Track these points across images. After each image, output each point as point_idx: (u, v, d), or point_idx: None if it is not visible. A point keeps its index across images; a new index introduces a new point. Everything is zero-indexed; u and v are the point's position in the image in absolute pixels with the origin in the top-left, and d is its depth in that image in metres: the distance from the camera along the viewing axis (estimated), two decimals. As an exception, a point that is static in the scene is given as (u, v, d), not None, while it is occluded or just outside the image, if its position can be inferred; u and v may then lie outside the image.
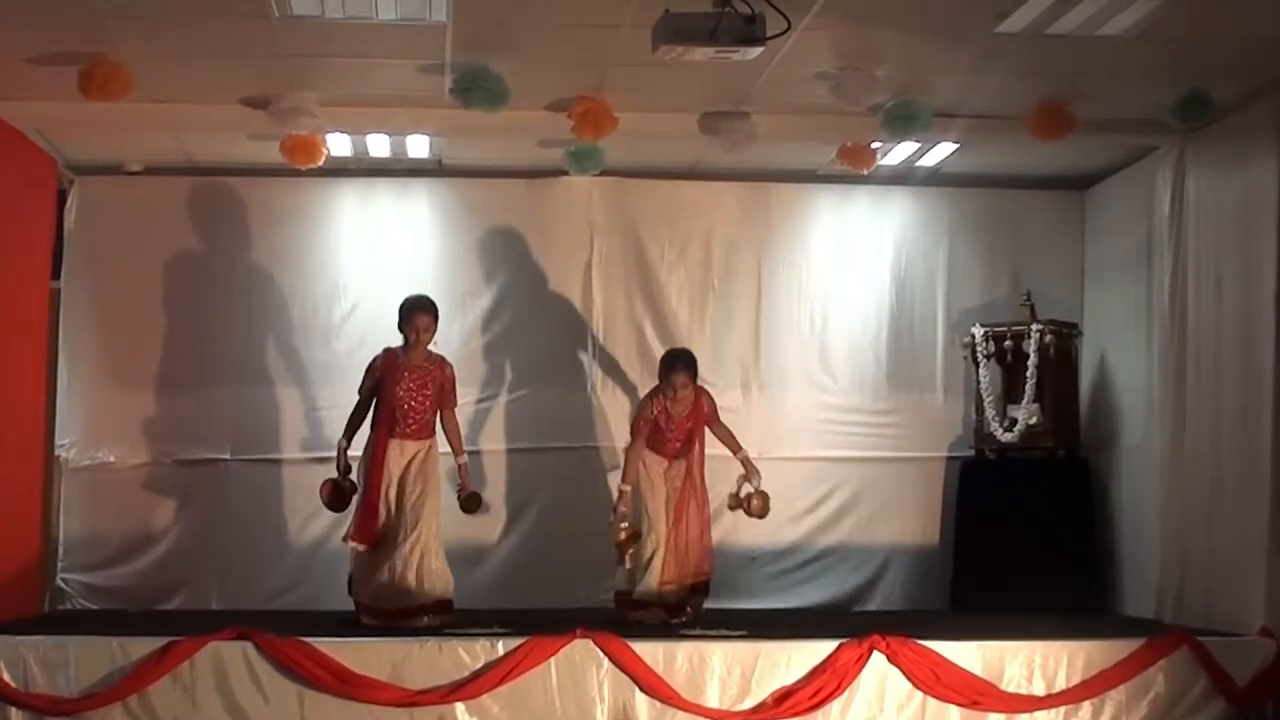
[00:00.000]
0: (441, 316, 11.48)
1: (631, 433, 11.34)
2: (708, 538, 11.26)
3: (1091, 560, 12.37)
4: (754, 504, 11.25)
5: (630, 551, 11.02)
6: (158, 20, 9.10)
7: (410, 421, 10.55)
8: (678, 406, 11.13)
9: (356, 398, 10.72)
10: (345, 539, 10.56)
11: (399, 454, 10.55)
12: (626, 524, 11.05)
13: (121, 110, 10.23)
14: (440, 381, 10.66)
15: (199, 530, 12.47)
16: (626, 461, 11.25)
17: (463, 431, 11.06)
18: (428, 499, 10.55)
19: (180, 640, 9.13)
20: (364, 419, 10.68)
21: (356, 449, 10.68)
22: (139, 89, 9.90)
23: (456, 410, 10.89)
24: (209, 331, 12.59)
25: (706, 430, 11.34)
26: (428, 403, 10.62)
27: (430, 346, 10.69)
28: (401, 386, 10.53)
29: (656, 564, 11.06)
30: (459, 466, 10.80)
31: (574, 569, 12.27)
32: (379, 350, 10.74)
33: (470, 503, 10.86)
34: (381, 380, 10.59)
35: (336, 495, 10.65)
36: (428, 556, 10.48)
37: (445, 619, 10.37)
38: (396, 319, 10.68)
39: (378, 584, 10.43)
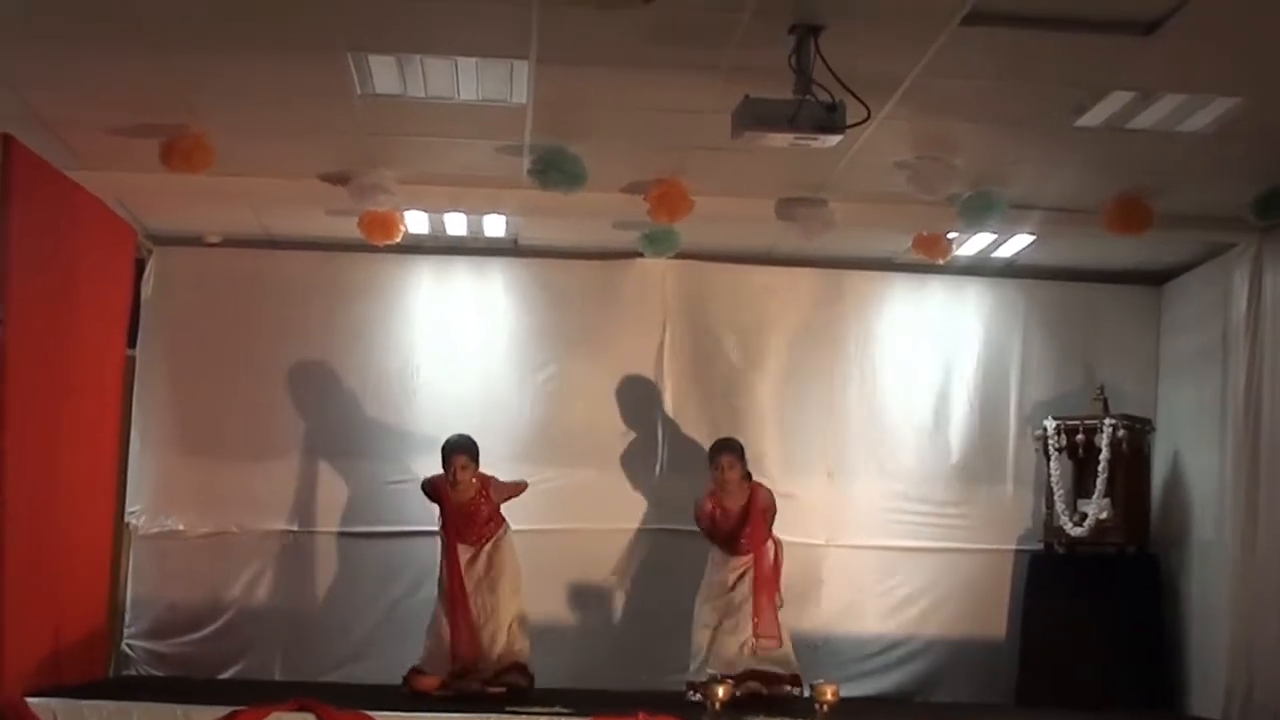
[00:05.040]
0: (513, 394, 11.94)
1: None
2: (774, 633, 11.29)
3: (1159, 657, 12.22)
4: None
5: None
6: (241, 95, 9.20)
7: (472, 535, 11.19)
8: (729, 496, 11.32)
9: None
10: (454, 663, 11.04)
11: (469, 554, 11.17)
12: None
13: (201, 182, 10.31)
14: (490, 507, 11.22)
15: (264, 600, 12.49)
16: None
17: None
18: (502, 579, 11.14)
19: (242, 710, 9.16)
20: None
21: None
22: (219, 162, 9.99)
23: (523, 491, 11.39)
24: (281, 403, 12.63)
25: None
26: (484, 520, 11.19)
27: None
28: (456, 519, 11.19)
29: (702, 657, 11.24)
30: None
31: (639, 651, 12.26)
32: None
33: None
34: (439, 503, 11.25)
35: None
36: (511, 636, 11.08)
37: (524, 681, 10.97)
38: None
39: (461, 661, 10.96)
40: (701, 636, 11.24)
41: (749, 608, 11.17)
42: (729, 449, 11.43)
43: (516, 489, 11.28)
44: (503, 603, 11.07)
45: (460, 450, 11.10)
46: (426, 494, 11.30)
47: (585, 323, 12.84)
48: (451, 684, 10.81)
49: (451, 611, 10.99)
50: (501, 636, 10.99)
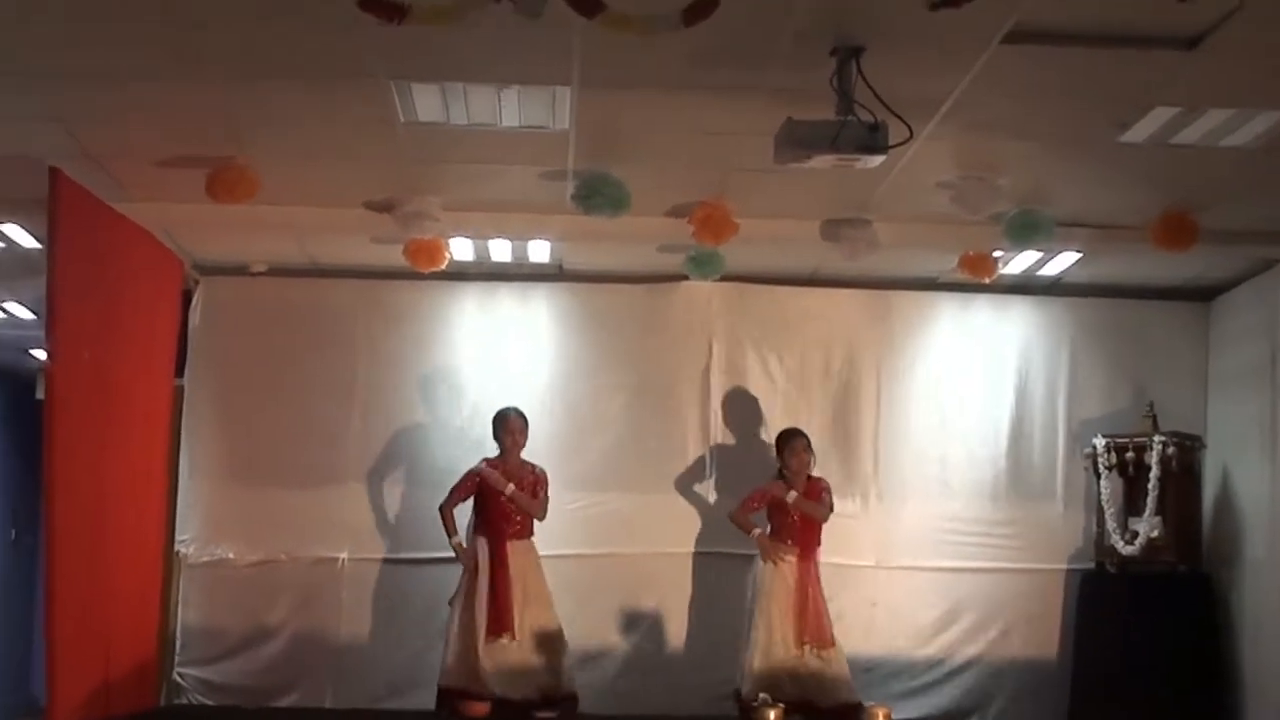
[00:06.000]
0: (559, 420, 11.95)
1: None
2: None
3: (1212, 677, 12.14)
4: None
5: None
6: (285, 125, 9.23)
7: (516, 523, 11.33)
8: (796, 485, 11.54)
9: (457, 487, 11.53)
10: (488, 637, 11.10)
11: (512, 554, 11.22)
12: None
13: (247, 212, 10.34)
14: (535, 483, 11.47)
15: (315, 628, 12.49)
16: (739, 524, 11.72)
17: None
18: (542, 592, 11.31)
19: (293, 739, 9.19)
20: (458, 504, 11.49)
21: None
22: (264, 192, 10.02)
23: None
24: (328, 431, 12.65)
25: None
26: (530, 494, 11.41)
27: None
28: (500, 496, 11.36)
29: (757, 662, 11.20)
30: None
31: (686, 675, 12.23)
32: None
33: None
34: (485, 488, 11.37)
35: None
36: (557, 652, 11.21)
37: (570, 711, 11.00)
38: (491, 430, 11.54)
39: (499, 675, 10.98)
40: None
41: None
42: (803, 434, 11.76)
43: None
44: (545, 609, 11.28)
45: (519, 414, 11.63)
46: (472, 485, 11.48)
47: (631, 346, 12.84)
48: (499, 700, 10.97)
49: (495, 590, 11.13)
50: (541, 655, 11.09)
